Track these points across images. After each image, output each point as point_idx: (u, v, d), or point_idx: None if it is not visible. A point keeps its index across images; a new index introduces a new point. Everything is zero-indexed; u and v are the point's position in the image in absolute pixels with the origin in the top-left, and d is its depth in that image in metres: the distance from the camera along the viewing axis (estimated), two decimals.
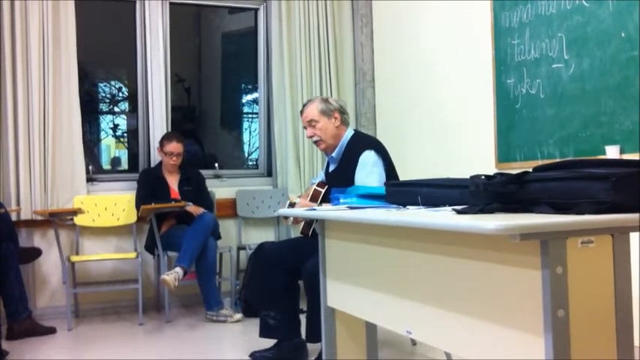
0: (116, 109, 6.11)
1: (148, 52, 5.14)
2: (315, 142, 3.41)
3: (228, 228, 5.24)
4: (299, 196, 3.52)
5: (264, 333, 3.36)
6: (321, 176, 3.62)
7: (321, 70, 5.48)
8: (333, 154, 3.40)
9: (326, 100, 3.42)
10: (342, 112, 3.41)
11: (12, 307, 4.14)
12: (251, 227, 5.40)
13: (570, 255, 1.52)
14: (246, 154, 6.30)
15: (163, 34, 5.18)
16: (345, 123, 3.41)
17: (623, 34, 3.16)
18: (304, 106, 3.48)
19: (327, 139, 3.36)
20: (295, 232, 4.71)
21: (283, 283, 3.31)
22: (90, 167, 5.04)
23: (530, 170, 1.81)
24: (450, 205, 1.97)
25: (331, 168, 3.45)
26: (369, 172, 3.18)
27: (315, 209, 2.74)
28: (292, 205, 3.24)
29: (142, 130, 5.24)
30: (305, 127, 3.45)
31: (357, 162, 3.22)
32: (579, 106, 3.42)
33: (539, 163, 3.56)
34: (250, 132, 6.19)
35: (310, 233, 3.32)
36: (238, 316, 4.51)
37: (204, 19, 6.17)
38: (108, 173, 5.48)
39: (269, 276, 3.34)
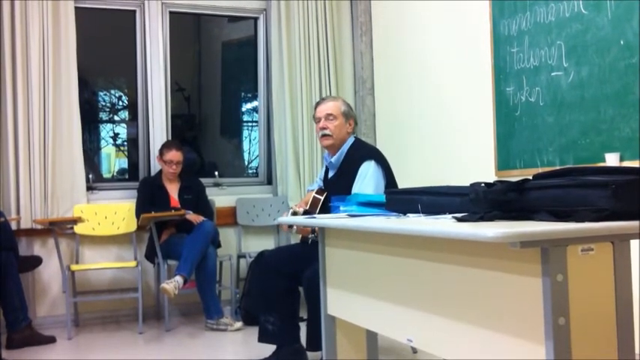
0: (116, 118, 6.12)
1: (148, 60, 5.15)
2: (323, 136, 3.39)
3: (228, 236, 5.24)
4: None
5: (262, 338, 3.36)
6: (317, 183, 3.62)
7: (320, 78, 5.49)
8: (333, 160, 3.41)
9: (348, 105, 3.49)
10: (356, 122, 3.51)
11: (12, 316, 4.14)
12: (251, 235, 5.40)
13: (571, 262, 1.52)
14: (246, 163, 6.30)
15: (163, 42, 5.19)
16: (353, 131, 3.47)
17: (622, 42, 3.17)
18: (324, 99, 3.52)
19: (336, 139, 3.38)
20: (295, 239, 4.70)
21: (283, 289, 3.30)
22: (90, 176, 5.05)
23: (530, 178, 1.81)
24: (450, 213, 1.97)
25: (330, 174, 3.47)
26: (366, 183, 3.19)
27: (314, 217, 2.74)
28: (295, 214, 3.24)
29: (142, 139, 5.25)
30: (317, 120, 3.42)
31: (356, 172, 3.23)
32: (579, 114, 3.43)
33: (539, 170, 3.54)
34: (250, 140, 6.20)
35: (310, 240, 3.32)
36: (238, 324, 4.50)
37: (204, 27, 6.19)
38: (108, 182, 5.48)
39: (269, 281, 3.34)
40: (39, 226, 4.64)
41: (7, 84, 4.62)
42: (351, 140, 3.42)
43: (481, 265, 1.73)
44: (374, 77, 5.58)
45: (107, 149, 5.94)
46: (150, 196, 4.79)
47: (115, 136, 5.97)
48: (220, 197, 5.30)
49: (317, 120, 3.44)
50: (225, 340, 4.28)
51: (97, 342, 4.29)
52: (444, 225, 1.78)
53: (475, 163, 4.25)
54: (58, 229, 4.64)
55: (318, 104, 3.51)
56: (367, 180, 3.20)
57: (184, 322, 4.85)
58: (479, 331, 1.75)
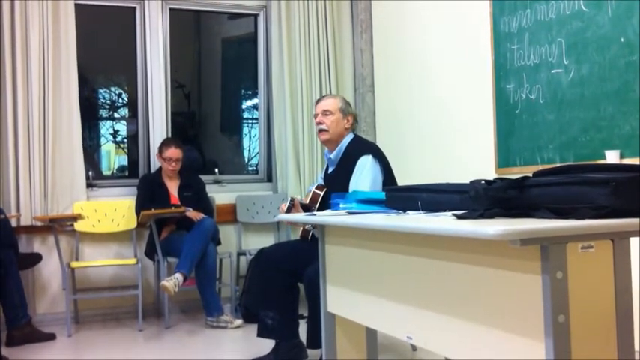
0: (116, 115, 6.12)
1: (147, 57, 5.15)
2: (320, 131, 3.44)
3: (228, 233, 5.24)
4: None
5: (262, 332, 3.36)
6: (319, 182, 3.63)
7: (320, 75, 5.49)
8: (332, 156, 3.43)
9: (347, 102, 3.53)
10: (356, 119, 3.53)
11: (12, 313, 4.14)
12: (251, 233, 5.40)
13: (570, 260, 1.51)
14: (246, 160, 6.30)
15: (163, 39, 5.18)
16: (352, 129, 3.49)
17: (622, 39, 3.16)
18: (323, 96, 3.58)
19: (332, 134, 3.41)
20: (295, 235, 4.71)
21: (283, 284, 3.31)
22: (90, 173, 5.04)
23: (530, 175, 1.81)
24: (450, 211, 1.97)
25: (330, 170, 3.49)
26: (364, 176, 3.21)
27: (314, 214, 2.74)
28: (293, 200, 3.25)
29: (141, 136, 5.24)
30: (316, 116, 3.48)
31: (354, 166, 3.25)
32: (579, 111, 3.42)
33: (539, 168, 3.56)
34: (250, 137, 6.20)
35: (310, 236, 3.33)
36: (238, 322, 4.50)
37: (203, 24, 6.19)
38: (108, 179, 5.48)
39: (269, 277, 3.34)
40: (39, 224, 4.64)
41: (7, 81, 4.61)
42: (350, 137, 3.43)
43: (481, 262, 1.73)
44: (374, 75, 5.58)
45: (107, 146, 5.94)
46: (150, 193, 4.79)
47: (115, 134, 5.97)
48: (220, 194, 5.30)
49: (315, 116, 3.49)
50: (225, 337, 4.28)
51: (96, 339, 4.29)
52: (444, 222, 1.78)
53: (475, 160, 4.25)
54: (58, 226, 4.64)
55: (317, 101, 3.57)
56: (364, 174, 3.22)
57: (184, 319, 4.86)
58: (478, 328, 1.75)
